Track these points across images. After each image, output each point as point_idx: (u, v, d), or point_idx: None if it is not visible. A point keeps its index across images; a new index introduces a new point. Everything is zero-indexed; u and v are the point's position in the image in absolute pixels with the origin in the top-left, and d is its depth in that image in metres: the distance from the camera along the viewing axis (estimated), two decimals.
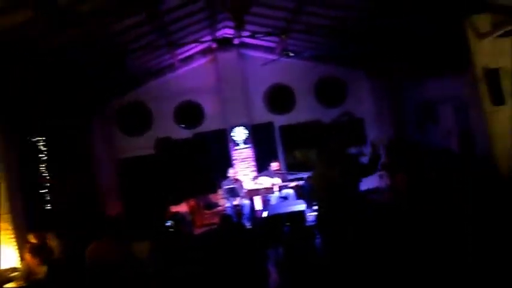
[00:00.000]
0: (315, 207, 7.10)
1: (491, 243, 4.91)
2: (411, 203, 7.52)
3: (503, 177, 7.39)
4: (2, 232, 7.56)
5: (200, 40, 11.35)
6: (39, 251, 7.05)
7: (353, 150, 13.26)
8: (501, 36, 8.67)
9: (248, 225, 10.11)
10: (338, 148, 7.56)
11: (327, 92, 13.60)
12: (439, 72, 10.36)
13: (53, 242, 7.35)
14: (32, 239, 7.40)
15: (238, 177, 11.52)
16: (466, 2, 8.42)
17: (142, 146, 12.76)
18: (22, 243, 7.49)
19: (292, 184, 10.78)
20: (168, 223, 9.50)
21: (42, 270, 6.96)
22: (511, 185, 6.61)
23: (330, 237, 6.23)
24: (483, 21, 8.74)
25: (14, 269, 7.31)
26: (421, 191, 7.74)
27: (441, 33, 9.36)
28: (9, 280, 6.83)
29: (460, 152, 10.86)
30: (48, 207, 9.63)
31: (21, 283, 6.55)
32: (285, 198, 10.52)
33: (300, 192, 10.53)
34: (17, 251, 7.54)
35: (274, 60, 11.52)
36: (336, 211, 6.15)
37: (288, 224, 8.25)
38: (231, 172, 11.10)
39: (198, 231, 10.36)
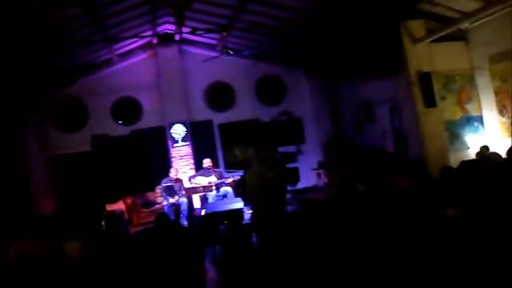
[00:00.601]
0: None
1: (418, 241, 5.07)
2: (346, 198, 7.67)
3: (433, 177, 7.67)
4: None
5: (140, 35, 11.11)
6: None
7: (292, 148, 13.51)
8: (434, 41, 9.07)
9: (185, 223, 10.00)
10: (274, 148, 7.70)
11: (267, 90, 13.72)
12: (376, 74, 10.66)
13: None
14: None
15: (179, 176, 11.36)
16: (401, 7, 8.72)
17: (77, 142, 12.33)
18: None
19: (229, 181, 10.75)
20: (103, 221, 9.25)
21: None
22: (440, 185, 6.87)
23: (266, 236, 6.32)
24: (417, 26, 9.13)
25: None
26: (355, 187, 7.91)
27: (378, 36, 9.63)
28: None
29: (394, 152, 11.23)
30: None
31: None
32: (223, 196, 10.48)
33: (238, 190, 10.52)
34: None
35: (214, 57, 11.48)
36: (270, 210, 6.26)
37: (225, 222, 8.22)
38: (172, 172, 10.94)
39: (135, 230, 10.15)
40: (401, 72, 9.26)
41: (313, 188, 12.51)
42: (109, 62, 12.44)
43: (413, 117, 9.18)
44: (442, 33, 8.84)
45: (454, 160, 8.79)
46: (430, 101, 9.02)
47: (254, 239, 6.83)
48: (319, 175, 12.65)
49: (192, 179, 10.98)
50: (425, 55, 9.15)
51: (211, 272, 6.48)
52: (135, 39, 11.79)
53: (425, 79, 8.98)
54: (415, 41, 9.05)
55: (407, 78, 9.10)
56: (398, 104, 10.24)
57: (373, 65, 10.36)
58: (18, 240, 3.56)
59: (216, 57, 11.48)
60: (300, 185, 12.36)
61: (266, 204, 6.26)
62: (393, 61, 9.36)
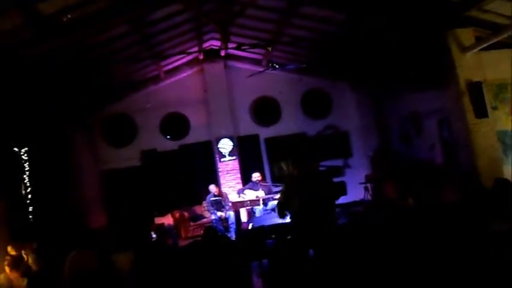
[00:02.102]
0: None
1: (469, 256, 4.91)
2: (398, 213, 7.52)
3: (486, 188, 7.42)
4: None
5: (187, 51, 11.33)
6: (17, 264, 6.94)
7: (338, 162, 13.38)
8: (484, 49, 8.79)
9: (233, 237, 10.04)
10: (316, 163, 7.66)
11: (313, 104, 13.66)
12: (424, 85, 10.44)
13: (31, 254, 7.24)
14: (11, 251, 7.28)
15: (223, 189, 11.44)
16: (449, 16, 8.53)
17: (127, 157, 12.69)
18: (3, 255, 7.38)
19: (278, 196, 10.71)
20: (153, 235, 9.41)
21: (22, 283, 6.85)
22: (493, 197, 6.64)
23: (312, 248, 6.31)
24: (466, 35, 8.86)
25: None
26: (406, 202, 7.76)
27: (425, 46, 9.45)
28: None
29: (444, 164, 10.93)
30: (30, 218, 9.48)
31: None
32: (271, 210, 10.47)
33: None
34: None
35: (259, 72, 11.52)
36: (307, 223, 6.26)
37: (272, 236, 8.19)
38: (212, 188, 11.04)
39: (183, 243, 10.26)
40: (451, 82, 9.01)
41: (361, 202, 12.31)
42: (156, 79, 12.73)
43: (464, 129, 8.90)
44: (493, 41, 8.55)
45: (508, 172, 8.48)
46: (482, 112, 8.72)
47: (302, 253, 6.78)
48: (366, 189, 12.45)
49: (241, 193, 11.02)
50: (475, 64, 8.88)
51: (258, 286, 6.46)
52: (181, 56, 12.02)
53: (476, 89, 8.70)
54: (464, 49, 8.80)
55: (456, 88, 8.83)
56: (447, 115, 9.99)
57: (420, 76, 10.17)
58: (71, 255, 3.66)
59: (262, 72, 11.53)
60: (348, 199, 12.20)
61: (313, 214, 6.24)
62: (442, 71, 9.14)
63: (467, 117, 8.78)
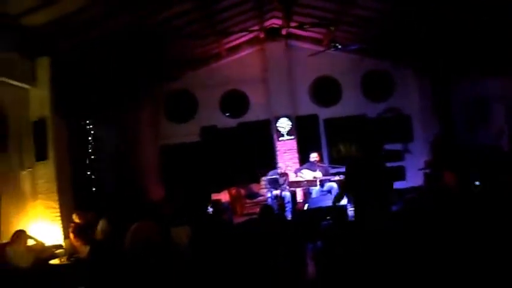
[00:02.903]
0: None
1: None
2: (460, 202, 7.31)
3: None
4: (49, 210, 7.83)
5: (248, 29, 11.33)
6: (82, 231, 7.23)
7: (398, 146, 13.07)
8: None
9: (288, 216, 10.07)
10: (378, 146, 7.50)
11: (374, 86, 13.37)
12: (492, 70, 10.01)
13: (95, 223, 7.53)
14: (76, 219, 7.61)
15: (286, 170, 11.46)
16: None
17: (187, 133, 12.95)
18: (67, 222, 7.74)
19: (336, 178, 10.63)
20: (209, 210, 9.60)
21: (85, 249, 7.15)
22: None
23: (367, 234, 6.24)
24: None
25: (59, 246, 7.56)
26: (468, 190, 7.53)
27: (496, 28, 9.01)
28: (54, 256, 7.05)
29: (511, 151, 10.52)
30: (94, 188, 9.87)
31: (64, 260, 6.75)
32: (328, 191, 10.41)
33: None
34: (62, 229, 7.80)
35: (321, 51, 11.36)
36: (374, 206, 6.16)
37: (328, 218, 8.16)
38: (281, 167, 11.10)
39: (238, 219, 10.40)
40: None
41: (419, 188, 12.03)
42: (218, 56, 12.85)
43: None
44: None
45: None
46: None
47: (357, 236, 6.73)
48: (426, 175, 12.13)
49: (299, 172, 11.01)
50: None
51: (311, 267, 6.47)
52: (243, 34, 12.05)
53: None
54: None
55: None
56: None
57: (489, 60, 9.73)
58: (134, 225, 3.79)
59: (323, 51, 11.37)
60: (407, 184, 11.96)
61: (371, 199, 6.15)
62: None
63: None
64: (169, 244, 4.81)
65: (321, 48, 12.06)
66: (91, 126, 10.40)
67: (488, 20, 8.95)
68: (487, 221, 5.93)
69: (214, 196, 11.24)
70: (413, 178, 12.28)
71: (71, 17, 6.67)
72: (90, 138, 10.43)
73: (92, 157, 10.33)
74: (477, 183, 8.55)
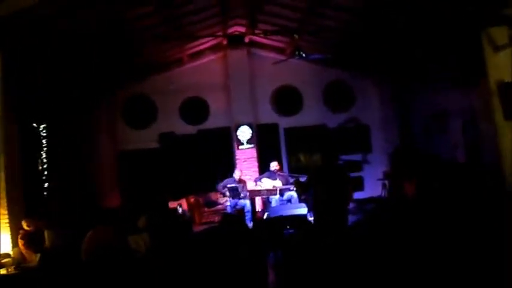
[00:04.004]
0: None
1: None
2: (419, 211, 7.38)
3: (510, 191, 7.25)
4: None
5: (212, 34, 11.22)
6: (32, 239, 6.91)
7: (357, 157, 13.19)
8: None
9: (250, 225, 9.96)
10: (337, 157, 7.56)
11: (335, 96, 13.45)
12: (453, 83, 10.21)
13: (47, 230, 7.21)
14: (26, 226, 7.26)
15: (243, 178, 11.36)
16: (484, 14, 8.27)
17: (145, 139, 12.65)
18: (17, 230, 7.36)
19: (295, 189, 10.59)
20: (167, 218, 9.34)
21: (34, 258, 6.82)
22: None
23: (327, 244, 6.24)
24: (500, 34, 8.57)
25: (6, 255, 7.16)
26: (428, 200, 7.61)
27: (456, 43, 9.21)
28: (1, 266, 6.67)
29: (467, 164, 10.73)
30: (45, 194, 9.48)
31: (12, 270, 6.40)
32: (288, 201, 10.37)
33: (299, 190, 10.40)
34: (10, 237, 7.39)
35: (285, 60, 11.35)
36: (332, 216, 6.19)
37: (288, 227, 8.09)
38: (237, 174, 10.98)
39: (197, 228, 10.20)
40: (481, 81, 8.77)
41: (377, 199, 12.14)
42: (180, 62, 12.65)
43: (491, 129, 8.67)
44: None
45: None
46: (510, 113, 8.49)
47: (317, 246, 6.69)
48: (384, 185, 12.26)
49: (258, 181, 10.93)
50: (507, 64, 8.57)
51: (272, 276, 6.36)
52: (205, 40, 11.93)
53: (506, 89, 8.43)
54: (497, 49, 8.52)
55: (486, 87, 8.60)
56: (473, 114, 9.76)
57: (449, 73, 9.93)
58: (92, 230, 3.59)
59: (286, 59, 11.37)
60: (365, 195, 12.04)
61: (329, 209, 6.17)
62: (472, 69, 8.90)
63: (496, 117, 8.54)
64: (127, 251, 4.60)
65: (283, 57, 12.06)
66: (44, 130, 10.02)
67: (448, 34, 9.15)
68: (445, 230, 5.98)
69: (173, 204, 10.98)
70: (371, 188, 12.40)
71: (27, 12, 6.37)
72: (43, 142, 10.05)
73: (45, 162, 9.96)
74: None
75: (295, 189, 10.33)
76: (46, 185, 9.92)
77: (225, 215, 6.20)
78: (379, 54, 11.54)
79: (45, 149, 10.02)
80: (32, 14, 6.56)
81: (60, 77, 9.34)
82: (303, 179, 10.49)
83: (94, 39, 8.50)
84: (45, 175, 9.92)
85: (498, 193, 7.78)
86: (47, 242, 7.12)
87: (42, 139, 10.02)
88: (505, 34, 8.61)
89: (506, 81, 8.47)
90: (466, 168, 10.45)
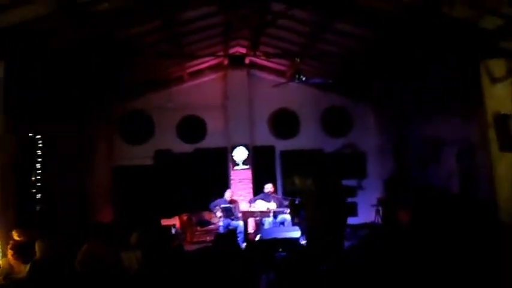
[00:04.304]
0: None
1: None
2: (412, 240, 7.37)
3: (504, 222, 7.25)
4: None
5: (213, 54, 11.29)
6: (22, 250, 6.82)
7: (352, 182, 13.19)
8: None
9: (243, 246, 9.90)
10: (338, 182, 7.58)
11: (332, 121, 13.54)
12: (447, 113, 10.30)
13: (38, 242, 7.12)
14: (16, 237, 7.17)
15: (234, 198, 11.34)
16: (482, 45, 8.38)
17: (141, 155, 12.59)
18: (7, 240, 7.26)
19: (289, 210, 10.58)
20: (160, 236, 9.26)
21: (23, 269, 6.71)
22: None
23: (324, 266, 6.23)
24: (498, 66, 8.66)
25: None
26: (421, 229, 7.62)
27: (454, 73, 9.31)
28: None
29: (460, 195, 10.75)
30: (37, 205, 9.41)
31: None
32: (281, 223, 10.34)
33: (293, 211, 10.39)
34: (0, 247, 7.30)
35: (285, 82, 11.42)
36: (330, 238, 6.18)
37: (280, 250, 8.06)
38: (227, 194, 10.96)
39: (188, 247, 10.12)
40: (478, 112, 8.84)
41: (371, 225, 12.13)
42: (179, 80, 12.67)
43: (487, 160, 8.70)
44: None
45: None
46: (506, 145, 8.52)
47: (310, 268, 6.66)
48: (378, 211, 12.26)
49: (252, 203, 10.91)
50: (505, 96, 8.61)
51: None
52: (206, 59, 12.00)
53: (503, 121, 8.47)
54: (495, 80, 8.58)
55: (483, 119, 8.65)
56: (469, 145, 9.82)
57: (446, 103, 10.01)
58: (87, 244, 3.55)
59: (287, 82, 11.43)
60: (359, 220, 12.04)
61: (330, 231, 6.16)
62: (469, 100, 8.98)
63: (491, 149, 8.58)
64: (120, 267, 4.55)
65: (283, 80, 12.13)
66: (41, 141, 9.98)
67: (447, 65, 9.25)
68: (438, 260, 5.98)
69: (165, 222, 10.91)
70: (365, 214, 12.40)
71: (31, 23, 6.38)
72: (39, 153, 10.00)
73: (39, 173, 9.90)
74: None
75: (288, 209, 10.34)
76: (39, 196, 9.84)
77: (218, 235, 6.16)
78: (378, 82, 11.63)
79: (40, 159, 9.97)
80: (34, 26, 6.58)
81: (59, 89, 9.34)
82: (298, 201, 10.57)
83: (94, 53, 8.52)
84: (38, 186, 9.85)
85: (492, 225, 7.79)
86: (37, 253, 7.02)
87: (38, 150, 9.97)
88: (503, 66, 8.72)
89: (503, 113, 8.54)
90: (459, 198, 10.47)
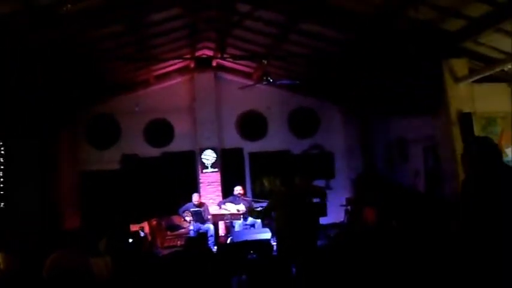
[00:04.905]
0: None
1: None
2: (377, 238, 7.46)
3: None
4: None
5: (180, 57, 11.20)
6: None
7: (320, 183, 13.27)
8: (477, 81, 8.83)
9: (214, 249, 9.85)
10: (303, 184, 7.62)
11: (300, 122, 13.60)
12: (414, 112, 10.46)
13: (0, 254, 6.93)
14: None
15: (203, 201, 11.27)
16: (445, 45, 8.57)
17: (107, 160, 12.42)
18: None
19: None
20: (129, 241, 9.14)
21: None
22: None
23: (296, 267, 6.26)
24: (460, 65, 8.88)
25: None
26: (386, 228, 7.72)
27: (418, 73, 9.47)
28: None
29: (426, 192, 10.94)
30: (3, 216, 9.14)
31: None
32: (251, 225, 10.33)
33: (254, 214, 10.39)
34: None
35: (252, 85, 11.43)
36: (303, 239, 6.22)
37: (251, 252, 8.05)
38: (195, 198, 10.88)
39: (159, 252, 10.02)
40: (441, 111, 9.02)
41: (340, 225, 12.23)
42: (146, 83, 12.56)
43: (451, 159, 8.89)
44: (485, 74, 8.58)
45: None
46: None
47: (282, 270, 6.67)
48: (346, 211, 12.37)
49: (222, 205, 10.86)
50: (467, 95, 8.88)
51: None
52: (173, 62, 11.90)
53: (466, 120, 8.70)
54: (457, 80, 8.81)
55: (447, 117, 8.85)
56: (433, 143, 10.00)
57: (411, 102, 10.18)
58: (55, 252, 3.46)
59: (254, 84, 11.44)
60: (328, 220, 12.10)
61: (299, 231, 6.21)
62: (433, 99, 9.15)
63: (456, 147, 8.77)
64: (90, 274, 4.46)
65: (250, 82, 12.14)
66: (2, 145, 9.71)
67: (411, 65, 9.42)
68: (402, 258, 6.07)
69: (134, 227, 10.75)
70: (334, 214, 12.46)
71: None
72: (1, 160, 9.72)
73: (1, 181, 9.63)
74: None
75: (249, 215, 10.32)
76: (2, 205, 9.57)
77: (188, 239, 6.11)
78: (345, 82, 11.76)
79: (2, 167, 9.69)
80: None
81: (21, 93, 9.11)
82: (259, 206, 10.54)
83: (59, 57, 8.35)
84: (1, 195, 9.58)
85: (456, 224, 7.93)
86: (1, 265, 6.83)
87: (0, 155, 9.69)
88: (465, 66, 8.95)
89: (466, 111, 8.76)
90: (425, 197, 10.66)
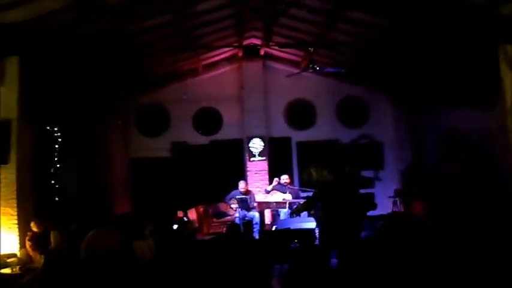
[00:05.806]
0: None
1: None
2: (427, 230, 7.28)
3: None
4: (6, 217, 7.45)
5: (228, 45, 11.26)
6: (39, 240, 6.94)
7: (368, 173, 13.07)
8: None
9: (257, 237, 9.89)
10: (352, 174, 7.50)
11: (349, 112, 13.40)
12: (468, 102, 10.09)
13: (53, 233, 7.24)
14: (34, 228, 7.29)
15: (249, 189, 11.32)
16: (501, 30, 8.16)
17: (157, 147, 12.73)
18: (25, 231, 7.39)
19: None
20: (174, 227, 9.34)
21: (40, 259, 6.84)
22: None
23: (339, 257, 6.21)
24: None
25: (12, 255, 7.19)
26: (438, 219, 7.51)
27: (471, 61, 9.11)
28: (6, 266, 6.70)
29: (480, 186, 10.56)
30: (56, 197, 9.50)
31: (16, 270, 6.42)
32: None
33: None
34: (18, 237, 7.42)
35: (299, 72, 11.35)
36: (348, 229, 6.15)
37: (295, 241, 8.02)
38: (241, 185, 10.94)
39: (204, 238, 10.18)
40: (496, 101, 8.63)
41: (388, 216, 11.99)
42: (194, 72, 12.71)
43: (506, 150, 8.51)
44: None
45: None
46: None
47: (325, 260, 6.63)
48: (395, 203, 12.12)
49: (268, 193, 10.88)
50: None
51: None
52: (221, 51, 11.99)
53: None
54: None
55: (502, 107, 8.45)
56: (487, 134, 9.61)
57: (464, 92, 9.82)
58: (91, 232, 3.58)
59: (301, 72, 11.37)
60: (375, 212, 11.92)
61: (343, 221, 6.14)
62: (487, 88, 8.78)
63: (510, 137, 8.40)
64: (129, 254, 4.59)
65: (297, 70, 12.05)
66: (59, 134, 10.08)
67: (465, 51, 9.07)
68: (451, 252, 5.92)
69: (182, 213, 10.96)
70: (383, 206, 12.23)
71: (44, 18, 6.46)
72: (56, 145, 10.10)
73: (57, 165, 10.00)
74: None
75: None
76: (57, 187, 9.95)
77: (231, 225, 6.16)
78: (394, 71, 11.48)
79: (58, 151, 10.07)
80: (47, 21, 6.65)
81: (76, 82, 9.44)
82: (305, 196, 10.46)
83: (110, 47, 8.58)
84: (56, 177, 9.95)
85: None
86: (52, 243, 7.14)
87: (55, 142, 10.06)
88: None
89: None
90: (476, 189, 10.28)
